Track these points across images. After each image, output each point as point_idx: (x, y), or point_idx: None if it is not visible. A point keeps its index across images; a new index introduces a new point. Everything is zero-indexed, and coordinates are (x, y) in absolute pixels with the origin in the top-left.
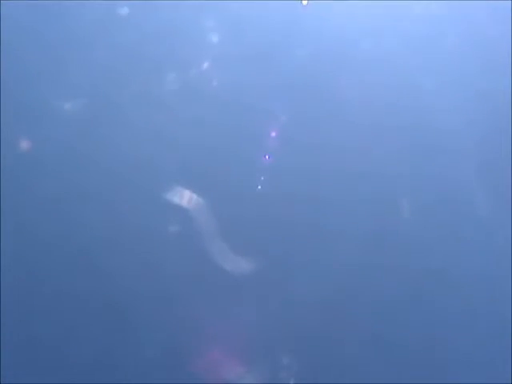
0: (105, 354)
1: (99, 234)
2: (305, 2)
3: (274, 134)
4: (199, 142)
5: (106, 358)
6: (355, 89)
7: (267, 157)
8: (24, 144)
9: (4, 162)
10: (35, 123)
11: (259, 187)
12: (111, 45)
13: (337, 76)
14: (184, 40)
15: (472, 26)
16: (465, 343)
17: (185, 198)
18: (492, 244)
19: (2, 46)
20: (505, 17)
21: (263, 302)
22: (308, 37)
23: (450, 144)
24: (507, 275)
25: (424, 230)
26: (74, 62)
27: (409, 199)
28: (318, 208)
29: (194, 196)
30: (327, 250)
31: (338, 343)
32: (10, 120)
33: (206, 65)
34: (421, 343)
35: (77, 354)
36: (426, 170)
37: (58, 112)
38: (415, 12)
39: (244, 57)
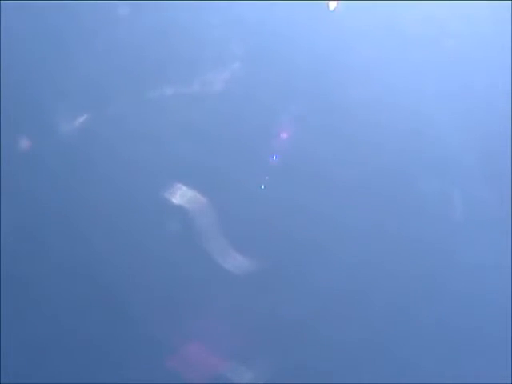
0: (104, 354)
1: (98, 234)
2: (332, 7)
3: (278, 135)
4: (201, 143)
5: (106, 358)
6: (357, 90)
7: (274, 157)
8: (22, 145)
9: (4, 164)
10: (34, 123)
11: (262, 187)
12: (112, 45)
13: (339, 77)
14: (185, 41)
15: (472, 26)
16: (464, 343)
17: (186, 197)
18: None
19: (2, 46)
20: (505, 17)
21: (263, 302)
22: (309, 37)
23: (450, 144)
24: (507, 274)
25: (426, 236)
26: (73, 62)
27: (411, 202)
28: (322, 211)
29: (196, 195)
30: (328, 252)
31: (338, 344)
32: (9, 121)
33: (208, 65)
34: (420, 344)
35: (76, 354)
36: (427, 173)
37: (57, 112)
38: (415, 12)
39: (247, 58)
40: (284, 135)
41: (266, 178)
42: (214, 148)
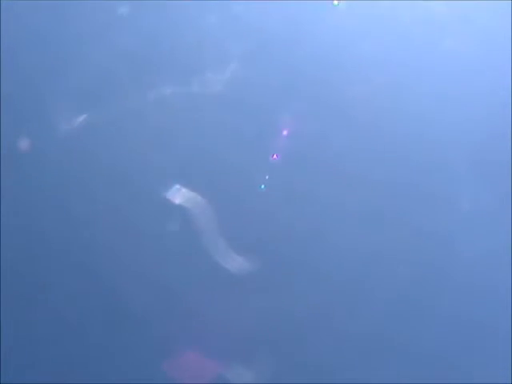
0: (105, 354)
1: (99, 234)
2: (336, 3)
3: (278, 134)
4: (201, 142)
5: (106, 358)
6: (357, 90)
7: (275, 156)
8: (23, 145)
9: (4, 163)
10: (34, 123)
11: (262, 186)
12: (112, 45)
13: (338, 76)
14: (185, 40)
15: (472, 26)
16: (464, 343)
17: (186, 197)
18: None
19: (2, 46)
20: (505, 17)
21: (264, 302)
22: (310, 36)
23: (450, 145)
24: (507, 274)
25: (427, 233)
26: (74, 62)
27: (412, 201)
28: (323, 210)
29: (196, 195)
30: (330, 251)
31: (338, 345)
32: (9, 121)
33: (208, 65)
34: (420, 344)
35: (76, 354)
36: (427, 173)
37: (57, 112)
38: (415, 12)
39: (247, 57)
40: (284, 134)
41: (267, 177)
42: (213, 148)
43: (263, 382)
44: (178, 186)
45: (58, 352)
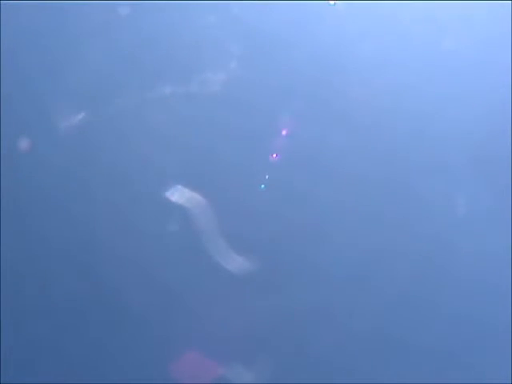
0: (104, 354)
1: (99, 234)
2: (332, 3)
3: (278, 133)
4: (201, 142)
5: (106, 358)
6: (356, 90)
7: (275, 155)
8: (23, 145)
9: (4, 163)
10: (34, 123)
11: (262, 186)
12: (112, 45)
13: (337, 76)
14: (184, 41)
15: (472, 26)
16: (464, 343)
17: (186, 196)
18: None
19: (2, 46)
20: (505, 17)
21: (264, 302)
22: (308, 37)
23: (450, 144)
24: (507, 274)
25: (426, 231)
26: (74, 62)
27: (411, 201)
28: (323, 209)
29: (195, 195)
30: (329, 252)
31: (337, 345)
32: (9, 121)
33: (207, 65)
34: (420, 345)
35: (76, 354)
36: (427, 173)
37: (57, 112)
38: (415, 12)
39: (245, 57)
40: (283, 134)
41: (266, 177)
42: (213, 148)
43: (263, 381)
44: (178, 186)
45: (58, 352)
